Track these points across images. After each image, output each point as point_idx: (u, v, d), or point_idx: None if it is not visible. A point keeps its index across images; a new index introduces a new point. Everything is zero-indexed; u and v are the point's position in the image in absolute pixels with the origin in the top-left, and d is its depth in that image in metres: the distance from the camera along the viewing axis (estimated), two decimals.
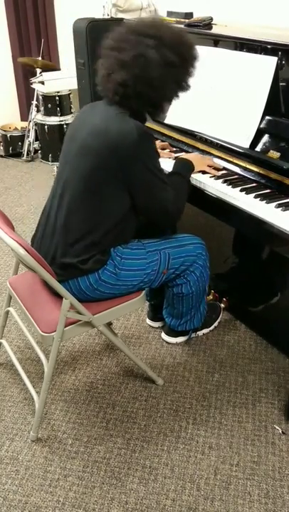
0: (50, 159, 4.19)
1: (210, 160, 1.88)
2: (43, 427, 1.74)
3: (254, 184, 1.74)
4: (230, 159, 1.86)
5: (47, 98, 3.99)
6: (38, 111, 4.15)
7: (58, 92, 3.98)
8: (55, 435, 1.72)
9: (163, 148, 2.06)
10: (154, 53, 1.43)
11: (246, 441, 1.69)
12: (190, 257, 1.75)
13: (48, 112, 4.04)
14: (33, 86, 4.07)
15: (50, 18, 4.22)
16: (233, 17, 2.72)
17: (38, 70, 4.07)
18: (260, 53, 1.84)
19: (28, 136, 4.24)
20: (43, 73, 3.93)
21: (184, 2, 2.82)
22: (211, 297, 2.28)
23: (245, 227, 1.72)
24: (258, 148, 1.77)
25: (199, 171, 1.83)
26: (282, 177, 1.68)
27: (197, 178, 1.80)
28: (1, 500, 1.50)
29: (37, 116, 4.11)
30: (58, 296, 1.57)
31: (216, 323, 2.21)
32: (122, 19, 2.61)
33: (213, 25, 2.28)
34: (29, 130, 4.20)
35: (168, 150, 2.06)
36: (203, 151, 1.97)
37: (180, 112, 2.05)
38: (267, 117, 1.77)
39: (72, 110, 4.16)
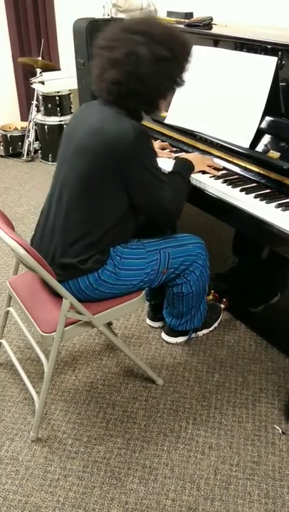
0: (50, 159, 4.19)
1: (210, 160, 1.88)
2: (43, 427, 1.74)
3: (254, 184, 1.74)
4: (230, 159, 1.86)
5: (47, 98, 3.99)
6: (38, 111, 4.15)
7: (58, 92, 3.98)
8: (55, 435, 1.72)
9: (163, 148, 2.06)
10: (145, 50, 1.43)
11: (246, 441, 1.69)
12: (190, 256, 1.75)
13: (48, 112, 4.04)
14: (33, 86, 4.07)
15: (50, 18, 4.22)
16: (233, 17, 2.72)
17: (38, 70, 4.07)
18: (260, 53, 1.84)
19: (28, 136, 4.24)
20: (43, 73, 3.93)
21: (184, 2, 2.82)
22: (210, 297, 2.28)
23: (245, 227, 1.72)
24: (258, 148, 1.77)
25: (199, 171, 1.83)
26: (282, 177, 1.68)
27: (197, 178, 1.80)
28: (1, 500, 1.50)
29: (37, 116, 4.11)
30: (58, 296, 1.57)
31: (216, 324, 2.21)
32: (122, 19, 2.61)
33: (213, 25, 2.28)
34: (29, 130, 4.20)
35: (168, 150, 2.06)
36: (203, 151, 1.97)
37: (180, 112, 2.05)
38: (267, 117, 1.77)
39: (72, 110, 4.16)
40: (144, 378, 1.95)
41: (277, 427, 1.74)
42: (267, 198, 1.63)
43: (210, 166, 1.85)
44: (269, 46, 1.81)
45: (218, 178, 1.80)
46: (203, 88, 1.98)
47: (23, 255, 1.37)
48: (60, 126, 4.04)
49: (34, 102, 4.13)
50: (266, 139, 1.76)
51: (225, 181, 1.77)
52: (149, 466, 1.61)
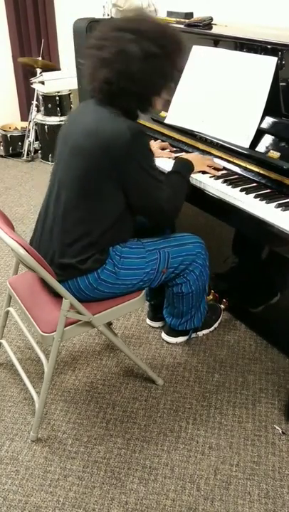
0: (50, 159, 4.19)
1: (210, 160, 1.88)
2: (43, 427, 1.74)
3: (254, 184, 1.74)
4: (231, 159, 1.86)
5: (47, 98, 3.99)
6: (38, 111, 4.15)
7: (58, 92, 3.98)
8: (55, 435, 1.72)
9: (163, 149, 2.06)
10: (134, 47, 1.42)
11: (246, 441, 1.69)
12: (189, 256, 1.75)
13: (48, 112, 4.04)
14: (33, 86, 4.07)
15: (50, 18, 4.22)
16: (233, 17, 2.72)
17: (38, 70, 4.07)
18: (260, 53, 1.84)
19: (28, 136, 4.24)
20: (43, 73, 3.93)
21: (184, 2, 2.82)
22: (210, 297, 2.28)
23: (245, 227, 1.72)
24: (258, 148, 1.77)
25: (199, 171, 1.83)
26: (282, 177, 1.68)
27: (197, 178, 1.80)
28: (1, 500, 1.50)
29: (37, 116, 4.11)
30: (58, 296, 1.57)
31: (216, 325, 2.21)
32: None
33: (213, 25, 2.28)
34: (29, 130, 4.20)
35: (168, 150, 2.05)
36: (203, 151, 1.97)
37: (180, 112, 2.05)
38: (267, 117, 1.77)
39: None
40: (144, 378, 1.95)
41: (277, 427, 1.74)
42: (267, 198, 1.63)
43: (210, 166, 1.85)
44: (269, 46, 1.81)
45: (218, 178, 1.80)
46: (203, 88, 1.98)
47: (23, 255, 1.37)
48: (60, 126, 4.00)
49: (34, 102, 4.13)
50: (266, 138, 1.76)
51: (225, 181, 1.77)
52: (149, 466, 1.61)
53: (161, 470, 1.60)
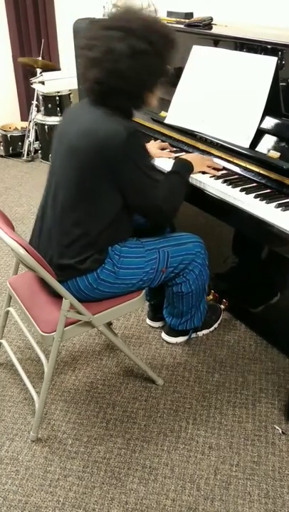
0: (50, 159, 4.18)
1: (210, 160, 1.88)
2: (43, 427, 1.74)
3: (254, 184, 1.74)
4: (230, 159, 1.86)
5: (47, 98, 3.99)
6: (38, 111, 4.15)
7: (58, 92, 3.98)
8: (55, 435, 1.72)
9: (163, 149, 2.06)
10: (122, 45, 1.41)
11: (246, 441, 1.69)
12: (189, 255, 1.75)
13: (48, 112, 4.04)
14: (33, 86, 4.07)
15: (50, 18, 4.22)
16: (233, 17, 2.72)
17: (38, 70, 4.07)
18: (260, 53, 1.84)
19: (28, 136, 4.24)
20: (43, 73, 3.93)
21: (184, 2, 2.82)
22: (210, 297, 2.28)
23: (245, 227, 1.72)
24: (258, 148, 1.77)
25: (199, 172, 1.83)
26: (282, 177, 1.67)
27: (197, 178, 1.80)
28: (1, 500, 1.50)
29: (37, 116, 4.11)
30: (57, 297, 1.57)
31: (216, 325, 2.21)
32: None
33: (213, 26, 2.28)
34: (29, 130, 4.20)
35: (168, 150, 2.05)
36: (203, 151, 1.97)
37: (180, 112, 2.05)
38: (267, 117, 1.77)
39: None
40: (144, 378, 1.95)
41: (277, 427, 1.74)
42: (267, 198, 1.63)
43: (209, 167, 1.85)
44: (269, 46, 1.81)
45: (218, 178, 1.80)
46: (203, 88, 1.98)
47: (23, 255, 1.37)
48: None
49: (34, 102, 4.13)
50: (266, 139, 1.76)
51: (225, 181, 1.77)
52: (149, 466, 1.61)
53: (161, 470, 1.60)
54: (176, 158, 1.89)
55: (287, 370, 1.99)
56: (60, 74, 3.98)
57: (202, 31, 2.16)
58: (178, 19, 2.44)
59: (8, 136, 4.28)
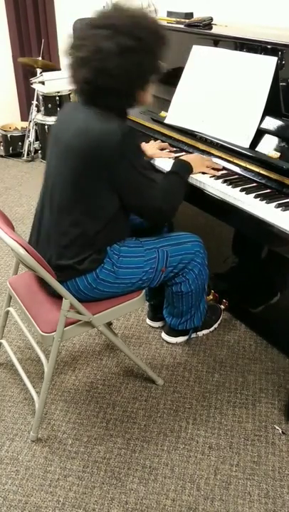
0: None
1: (209, 161, 1.88)
2: (43, 427, 1.74)
3: (254, 184, 1.74)
4: (230, 159, 1.86)
5: (47, 98, 3.99)
6: (38, 111, 4.15)
7: (58, 92, 3.98)
8: (55, 435, 1.72)
9: (162, 149, 2.06)
10: (110, 43, 1.39)
11: (246, 441, 1.69)
12: (188, 254, 1.75)
13: (49, 112, 4.04)
14: (33, 86, 4.07)
15: (50, 18, 4.22)
16: (233, 17, 2.72)
17: (39, 70, 4.07)
18: (260, 53, 1.84)
19: (28, 136, 4.24)
20: (43, 73, 3.93)
21: (184, 2, 2.82)
22: (210, 297, 2.28)
23: (245, 227, 1.72)
24: (258, 148, 1.77)
25: (198, 172, 1.83)
26: (282, 177, 1.67)
27: (197, 178, 1.80)
28: (1, 500, 1.50)
29: (37, 116, 4.11)
30: (57, 297, 1.57)
31: (216, 325, 2.21)
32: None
33: (213, 26, 2.28)
34: (29, 130, 4.20)
35: (167, 150, 2.05)
36: (203, 151, 1.96)
37: (180, 112, 2.05)
38: (267, 117, 1.77)
39: None
40: (144, 378, 1.95)
41: (277, 427, 1.74)
42: (267, 198, 1.63)
43: (209, 167, 1.85)
44: (269, 46, 1.81)
45: (218, 178, 1.80)
46: (203, 88, 1.98)
47: (23, 255, 1.37)
48: None
49: (34, 102, 4.13)
50: (266, 139, 1.76)
51: (225, 181, 1.76)
52: (149, 466, 1.61)
53: (161, 470, 1.60)
54: (175, 158, 1.89)
55: (287, 370, 1.99)
56: (60, 74, 3.98)
57: (202, 31, 2.16)
58: (178, 19, 2.44)
59: (8, 136, 4.28)
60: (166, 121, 2.09)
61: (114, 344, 1.80)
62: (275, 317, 2.10)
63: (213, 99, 1.94)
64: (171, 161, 1.83)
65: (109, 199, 1.53)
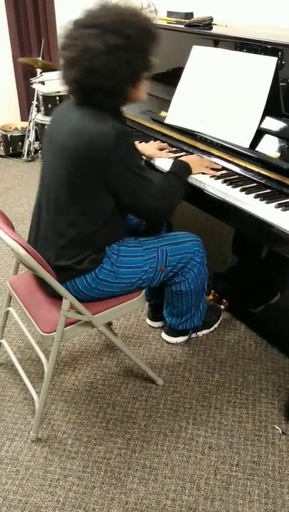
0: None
1: (209, 162, 1.87)
2: (43, 427, 1.74)
3: (254, 184, 1.74)
4: (230, 159, 1.86)
5: (47, 98, 3.99)
6: (38, 111, 4.15)
7: (58, 92, 3.97)
8: (55, 435, 1.72)
9: (162, 149, 2.06)
10: (98, 42, 1.39)
11: (246, 441, 1.69)
12: (187, 254, 1.74)
13: (49, 112, 4.03)
14: (33, 86, 4.07)
15: (50, 18, 4.22)
16: (233, 17, 2.72)
17: (39, 70, 4.07)
18: (260, 53, 1.84)
19: (28, 136, 4.24)
20: (43, 73, 3.93)
21: (184, 2, 2.82)
22: (210, 297, 2.28)
23: (245, 227, 1.72)
24: (258, 148, 1.77)
25: (198, 173, 1.83)
26: (282, 177, 1.67)
27: (197, 178, 1.80)
28: (1, 500, 1.50)
29: (37, 117, 4.11)
30: (57, 297, 1.57)
31: (216, 325, 2.21)
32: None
33: (214, 26, 2.28)
34: (29, 130, 4.20)
35: (167, 150, 2.05)
36: (203, 151, 1.96)
37: (180, 112, 2.05)
38: (267, 117, 1.77)
39: None
40: (144, 378, 1.95)
41: (277, 427, 1.74)
42: (267, 198, 1.63)
43: (208, 167, 1.85)
44: (269, 46, 1.81)
45: (218, 178, 1.80)
46: (203, 88, 1.98)
47: (23, 255, 1.37)
48: None
49: (34, 102, 4.13)
50: (266, 139, 1.76)
51: (225, 181, 1.76)
52: (149, 466, 1.61)
53: (161, 470, 1.60)
54: (175, 158, 1.89)
55: (287, 370, 1.99)
56: (60, 74, 3.98)
57: (202, 31, 2.16)
58: (178, 19, 2.44)
59: (8, 136, 4.28)
60: (166, 121, 2.09)
61: (114, 344, 1.80)
62: (275, 317, 2.10)
63: (213, 99, 1.94)
64: (171, 161, 1.83)
65: (105, 199, 1.53)
